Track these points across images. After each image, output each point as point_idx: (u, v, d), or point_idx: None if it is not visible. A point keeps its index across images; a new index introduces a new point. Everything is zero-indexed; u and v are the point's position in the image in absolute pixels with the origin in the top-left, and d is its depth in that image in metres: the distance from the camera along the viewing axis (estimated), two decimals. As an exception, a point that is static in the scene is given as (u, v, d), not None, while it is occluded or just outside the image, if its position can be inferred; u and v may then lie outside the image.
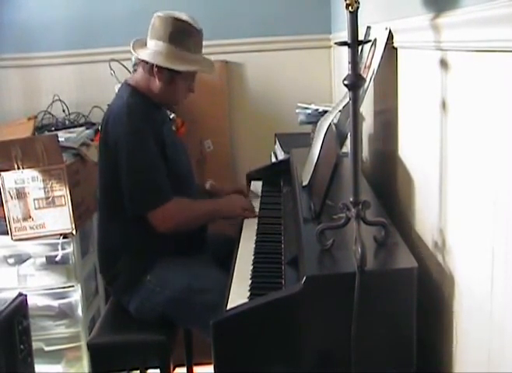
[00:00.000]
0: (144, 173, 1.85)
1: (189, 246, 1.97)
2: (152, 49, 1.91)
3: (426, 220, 1.42)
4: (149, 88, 1.94)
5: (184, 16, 1.91)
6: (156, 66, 1.90)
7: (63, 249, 2.38)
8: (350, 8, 1.14)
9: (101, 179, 1.96)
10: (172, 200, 1.86)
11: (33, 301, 2.34)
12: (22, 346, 1.85)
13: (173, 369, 1.99)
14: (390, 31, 1.60)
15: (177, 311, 1.85)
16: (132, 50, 1.94)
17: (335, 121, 1.82)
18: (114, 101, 1.97)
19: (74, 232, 2.37)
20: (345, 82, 1.20)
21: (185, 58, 1.90)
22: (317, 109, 2.43)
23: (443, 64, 1.22)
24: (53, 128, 2.86)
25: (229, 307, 1.34)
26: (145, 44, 1.95)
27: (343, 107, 1.77)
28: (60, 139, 2.46)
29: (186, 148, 2.14)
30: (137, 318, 1.90)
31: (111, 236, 1.97)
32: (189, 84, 1.98)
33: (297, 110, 2.51)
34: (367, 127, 2.08)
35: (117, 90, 2.09)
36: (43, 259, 2.42)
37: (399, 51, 1.60)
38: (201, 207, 2.02)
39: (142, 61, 1.93)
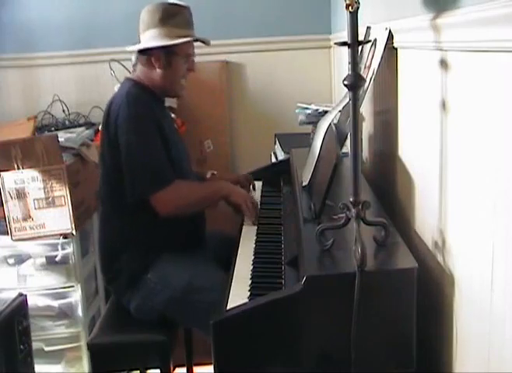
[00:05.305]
0: (145, 157, 1.86)
1: (189, 242, 1.97)
2: (145, 39, 1.94)
3: (426, 220, 1.42)
4: (151, 80, 1.96)
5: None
6: (153, 54, 1.91)
7: (63, 249, 2.38)
8: (350, 8, 1.14)
9: (103, 170, 1.96)
10: (173, 182, 1.87)
11: (33, 301, 2.34)
12: (22, 346, 1.85)
13: (173, 369, 1.99)
14: (390, 31, 1.60)
15: (177, 310, 1.85)
16: (130, 50, 1.95)
17: (335, 121, 1.82)
18: (116, 93, 1.98)
19: (74, 232, 2.37)
20: (345, 82, 1.20)
21: (177, 34, 1.92)
22: (317, 109, 2.43)
23: (443, 64, 1.22)
24: (53, 128, 2.87)
25: (229, 307, 1.34)
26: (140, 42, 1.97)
27: (343, 107, 1.77)
28: (60, 139, 2.46)
29: (185, 145, 2.15)
30: (137, 318, 1.90)
31: (113, 232, 1.97)
32: (187, 64, 1.99)
33: (297, 110, 2.51)
34: (367, 127, 2.08)
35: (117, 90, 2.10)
36: (43, 260, 2.42)
37: (399, 51, 1.60)
38: (203, 189, 2.03)
39: (139, 54, 1.95)
